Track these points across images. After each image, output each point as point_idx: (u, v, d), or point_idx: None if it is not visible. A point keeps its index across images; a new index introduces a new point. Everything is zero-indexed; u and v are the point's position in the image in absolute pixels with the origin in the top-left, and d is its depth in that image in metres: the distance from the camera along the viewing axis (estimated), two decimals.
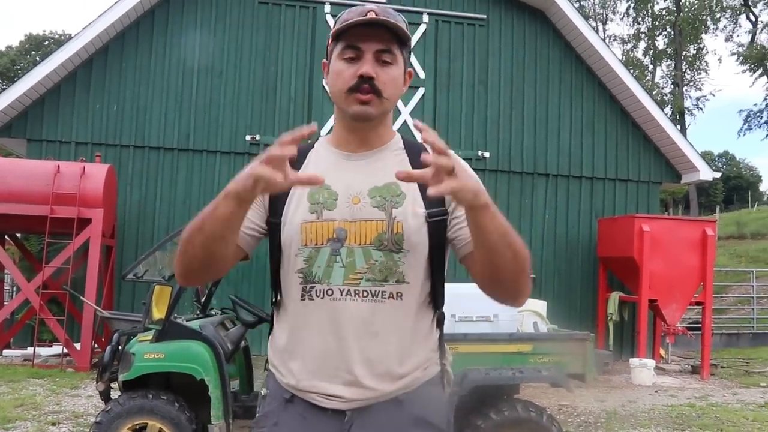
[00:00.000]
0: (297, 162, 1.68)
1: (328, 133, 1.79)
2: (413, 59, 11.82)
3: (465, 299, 5.10)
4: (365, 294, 1.59)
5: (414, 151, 1.73)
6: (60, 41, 36.58)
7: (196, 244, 1.52)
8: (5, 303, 10.32)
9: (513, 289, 1.58)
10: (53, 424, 6.22)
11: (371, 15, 1.59)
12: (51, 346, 9.99)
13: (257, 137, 11.20)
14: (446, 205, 1.66)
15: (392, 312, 1.60)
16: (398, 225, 1.60)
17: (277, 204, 1.67)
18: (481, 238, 1.45)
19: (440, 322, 1.73)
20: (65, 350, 9.26)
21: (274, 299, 1.74)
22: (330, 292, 1.59)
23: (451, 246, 1.70)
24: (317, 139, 1.79)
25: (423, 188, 1.62)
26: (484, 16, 12.25)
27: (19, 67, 39.96)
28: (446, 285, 1.76)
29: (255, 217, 1.67)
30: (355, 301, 1.58)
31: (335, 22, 1.66)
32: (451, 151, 1.34)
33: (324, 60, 1.74)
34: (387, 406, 1.60)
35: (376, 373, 1.58)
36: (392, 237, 1.60)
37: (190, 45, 11.32)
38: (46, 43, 42.72)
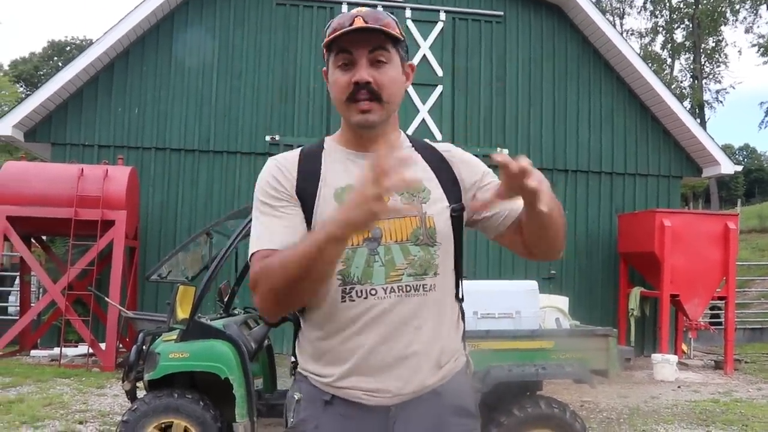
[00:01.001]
0: (313, 165, 1.71)
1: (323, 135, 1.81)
2: (431, 57, 11.84)
3: (487, 296, 5.15)
4: (408, 289, 1.62)
5: (423, 148, 1.79)
6: (82, 47, 37.02)
7: (298, 289, 1.49)
8: (32, 304, 10.47)
9: (560, 244, 1.69)
10: (80, 423, 6.32)
11: (358, 21, 1.60)
12: (77, 347, 10.13)
13: (277, 137, 11.27)
14: (463, 198, 1.73)
15: (432, 304, 1.64)
16: (430, 219, 1.65)
17: (307, 202, 1.65)
18: (546, 219, 1.55)
19: (463, 315, 1.79)
20: (91, 350, 9.38)
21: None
22: (373, 292, 1.60)
23: (481, 226, 1.78)
24: (323, 140, 1.80)
25: (444, 183, 1.71)
26: (501, 13, 12.23)
27: (42, 72, 40.49)
28: (467, 282, 1.81)
29: (298, 224, 1.64)
30: (399, 297, 1.60)
31: (325, 31, 1.67)
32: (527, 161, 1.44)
33: (323, 68, 1.76)
34: (427, 397, 1.63)
35: (422, 365, 1.62)
36: (426, 231, 1.64)
37: (209, 47, 11.41)
38: (68, 48, 43.22)
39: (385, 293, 1.60)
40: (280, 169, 1.69)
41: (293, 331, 1.79)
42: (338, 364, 1.63)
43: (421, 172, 1.71)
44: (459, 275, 1.76)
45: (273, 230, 1.61)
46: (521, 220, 1.66)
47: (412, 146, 1.78)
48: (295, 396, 1.71)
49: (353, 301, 1.61)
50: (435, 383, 1.64)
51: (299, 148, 1.78)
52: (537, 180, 1.44)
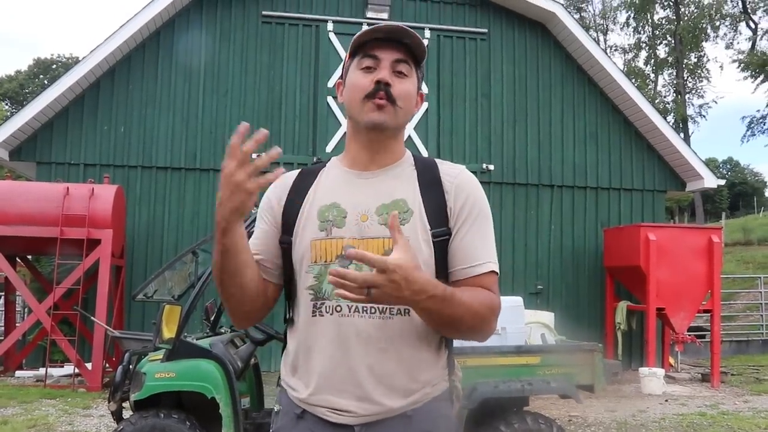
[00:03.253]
0: (308, 182, 1.76)
1: (334, 154, 1.85)
2: None
3: None
4: (373, 310, 1.59)
5: (424, 168, 1.75)
6: (68, 65, 36.98)
7: (223, 286, 1.64)
8: (17, 324, 10.39)
9: (470, 338, 1.68)
10: None
11: (391, 27, 1.66)
12: (63, 367, 10.04)
13: (263, 155, 11.27)
14: (448, 224, 1.68)
15: (400, 328, 1.61)
16: None
17: (288, 222, 1.72)
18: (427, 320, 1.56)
19: (449, 340, 1.74)
20: (77, 370, 9.31)
21: (287, 316, 1.78)
22: (339, 309, 1.61)
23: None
24: (329, 159, 1.84)
25: (428, 207, 1.67)
26: (486, 30, 12.35)
27: (27, 90, 40.37)
28: None
29: (275, 250, 1.75)
30: (362, 318, 1.59)
31: (354, 39, 1.71)
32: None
33: (338, 80, 1.79)
34: (396, 421, 1.60)
35: (385, 388, 1.59)
36: None
37: (195, 65, 11.44)
38: (54, 66, 43.15)
39: (350, 311, 1.60)
40: (275, 188, 1.79)
41: (282, 344, 1.82)
42: (306, 379, 1.66)
43: (410, 193, 1.69)
44: None
45: (253, 239, 1.75)
46: None
47: (415, 165, 1.76)
48: (275, 407, 1.76)
49: (322, 316, 1.63)
50: (404, 407, 1.61)
51: (301, 168, 1.85)
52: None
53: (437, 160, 1.79)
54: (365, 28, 1.71)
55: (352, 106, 1.70)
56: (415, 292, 1.41)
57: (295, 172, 1.82)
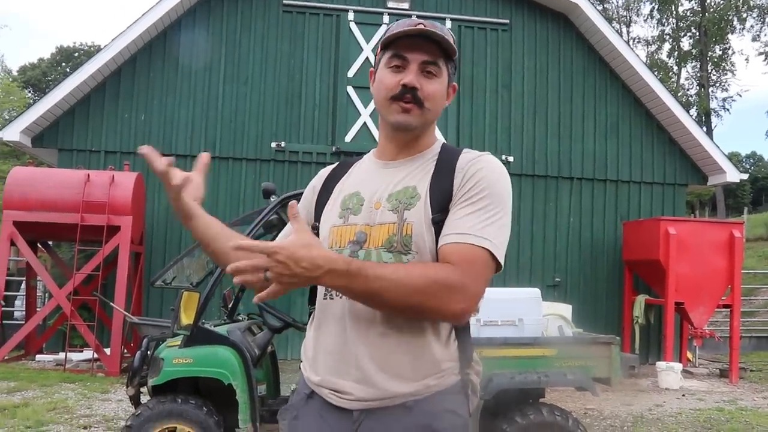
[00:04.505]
0: (342, 173, 1.86)
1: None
2: None
3: (490, 303, 5.13)
4: None
5: (447, 156, 1.73)
6: (90, 53, 37.23)
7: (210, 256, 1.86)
8: (38, 309, 10.51)
9: (423, 316, 1.60)
10: (85, 428, 6.35)
11: (420, 27, 1.66)
12: (82, 351, 10.17)
13: (282, 144, 11.32)
14: (449, 207, 1.66)
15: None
16: (407, 227, 1.62)
17: (318, 210, 1.83)
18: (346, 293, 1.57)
19: (460, 330, 1.69)
20: (96, 355, 9.41)
21: (310, 298, 1.85)
22: None
23: None
24: (369, 151, 1.89)
25: (435, 191, 1.66)
26: (507, 21, 12.26)
27: (50, 78, 40.68)
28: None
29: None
30: None
31: (386, 32, 1.72)
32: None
33: (371, 68, 1.82)
34: (396, 411, 1.59)
35: (385, 372, 1.59)
36: (401, 239, 1.62)
37: (215, 54, 11.48)
38: (77, 54, 43.41)
39: None
40: (317, 178, 1.93)
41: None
42: (312, 360, 1.72)
43: (421, 178, 1.69)
44: None
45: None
46: None
47: (440, 154, 1.74)
48: (293, 386, 1.84)
49: (332, 299, 1.68)
50: (405, 396, 1.59)
51: (341, 160, 1.94)
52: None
53: (465, 149, 1.76)
54: (394, 22, 1.73)
55: (380, 103, 1.73)
56: (307, 269, 1.41)
57: (331, 166, 1.94)
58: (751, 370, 11.34)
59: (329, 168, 1.92)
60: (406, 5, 11.76)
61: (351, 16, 11.68)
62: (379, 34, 11.41)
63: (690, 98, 39.79)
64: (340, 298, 1.64)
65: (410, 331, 1.61)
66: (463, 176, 1.65)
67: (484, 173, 1.66)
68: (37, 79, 41.78)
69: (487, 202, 1.62)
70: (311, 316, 1.80)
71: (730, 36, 39.36)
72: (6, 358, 9.68)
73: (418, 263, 1.59)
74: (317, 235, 1.75)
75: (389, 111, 1.70)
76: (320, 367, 1.68)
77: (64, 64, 43.26)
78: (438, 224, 1.63)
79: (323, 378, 1.66)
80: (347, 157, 1.95)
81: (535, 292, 5.15)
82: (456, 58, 1.75)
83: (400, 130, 1.72)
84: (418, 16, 11.77)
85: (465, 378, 1.69)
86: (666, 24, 41.28)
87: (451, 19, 12.03)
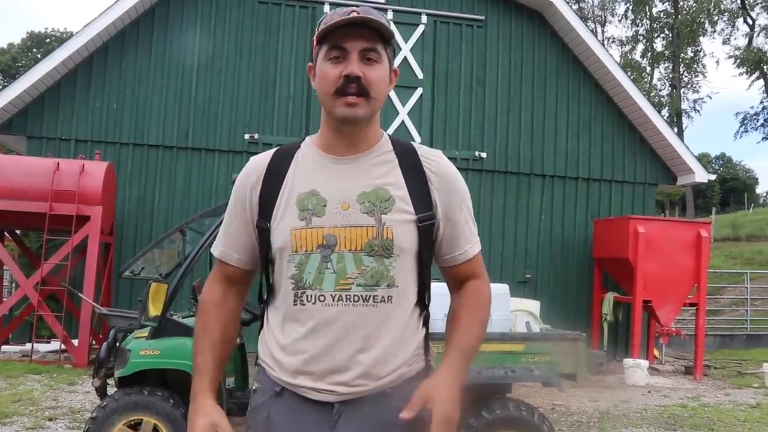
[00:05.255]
0: (284, 165, 1.73)
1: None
2: (411, 59, 11.89)
3: None
4: (356, 299, 1.62)
5: (404, 153, 1.74)
6: (61, 39, 36.56)
7: None
8: (4, 299, 10.38)
9: None
10: (50, 420, 6.28)
11: (354, 14, 1.60)
12: (49, 342, 10.05)
13: (256, 136, 11.26)
14: (433, 210, 1.71)
15: (383, 315, 1.64)
16: (388, 231, 1.63)
17: (267, 207, 1.71)
18: None
19: (426, 321, 1.77)
20: (63, 346, 9.31)
21: (264, 297, 1.79)
22: (322, 298, 1.62)
23: (435, 250, 1.79)
24: (303, 139, 1.81)
25: (413, 191, 1.68)
26: (483, 17, 12.31)
27: (20, 64, 39.97)
28: (438, 285, 1.83)
29: (249, 238, 1.78)
30: (346, 306, 1.61)
31: (318, 25, 1.67)
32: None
33: (309, 63, 1.76)
34: (373, 398, 1.64)
35: (367, 374, 1.62)
36: (382, 243, 1.63)
37: (189, 43, 11.37)
38: (48, 40, 42.70)
39: (333, 300, 1.62)
40: (249, 172, 1.76)
41: (258, 325, 1.85)
42: (287, 364, 1.67)
43: (392, 179, 1.70)
44: (426, 283, 1.75)
45: (226, 231, 1.81)
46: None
47: (394, 150, 1.75)
48: (254, 386, 1.79)
49: (304, 305, 1.64)
50: (383, 386, 1.65)
51: (275, 149, 1.80)
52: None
53: (414, 144, 1.79)
54: (328, 14, 1.67)
55: (323, 98, 1.67)
56: (455, 407, 1.62)
57: (269, 153, 1.79)
58: (714, 368, 11.55)
59: (264, 158, 1.78)
60: None
61: (327, 8, 11.63)
62: None
63: (662, 99, 40.32)
64: (313, 303, 1.63)
65: (391, 330, 1.65)
66: (439, 182, 1.72)
67: (457, 176, 1.77)
68: (7, 64, 41.04)
69: (468, 204, 1.79)
70: (266, 315, 1.78)
71: (701, 38, 39.97)
72: None
73: (473, 309, 1.79)
74: (265, 234, 1.71)
75: (334, 105, 1.64)
76: (295, 369, 1.65)
77: (35, 50, 42.54)
78: (424, 224, 1.68)
79: (301, 377, 1.65)
80: (281, 146, 1.83)
81: (503, 288, 5.18)
82: (394, 41, 1.72)
83: (348, 124, 1.67)
84: (394, 11, 11.85)
85: (427, 364, 1.77)
86: (640, 25, 41.77)
87: (427, 14, 12.04)
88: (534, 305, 5.77)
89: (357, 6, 1.68)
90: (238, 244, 1.78)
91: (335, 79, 1.62)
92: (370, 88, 1.63)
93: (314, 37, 1.70)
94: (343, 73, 1.61)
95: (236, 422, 4.99)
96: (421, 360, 1.75)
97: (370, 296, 1.62)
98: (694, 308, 11.24)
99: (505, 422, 4.58)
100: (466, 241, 1.77)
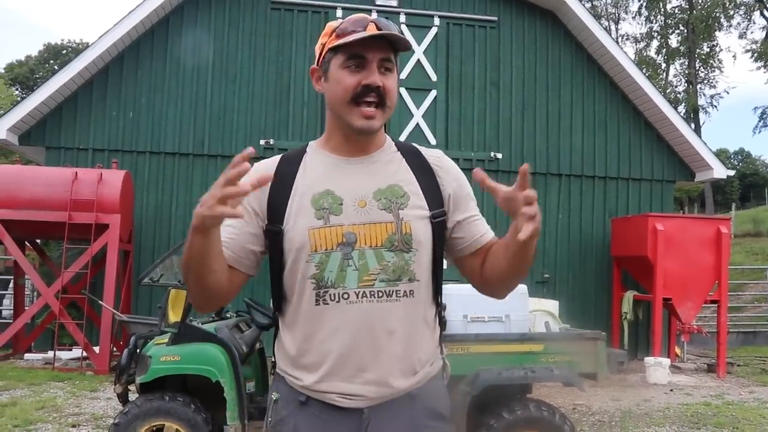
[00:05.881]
0: (292, 169, 1.74)
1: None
2: (425, 62, 11.89)
3: (477, 300, 5.14)
4: (380, 294, 1.63)
5: (409, 153, 1.80)
6: (78, 50, 36.98)
7: (190, 279, 1.60)
8: (26, 308, 10.48)
9: (514, 285, 1.75)
10: (73, 426, 6.34)
11: (371, 27, 1.62)
12: (71, 350, 10.14)
13: (271, 141, 11.31)
14: (444, 206, 1.75)
15: (406, 310, 1.66)
16: (406, 225, 1.66)
17: (277, 211, 1.69)
18: (523, 253, 1.62)
19: (440, 319, 1.80)
20: (85, 353, 9.39)
21: (278, 305, 1.76)
22: (346, 296, 1.63)
23: (448, 245, 1.80)
24: (307, 145, 1.82)
25: (426, 188, 1.72)
26: (495, 18, 12.28)
27: (38, 76, 40.43)
28: (458, 286, 1.88)
29: (249, 239, 1.71)
30: (371, 302, 1.63)
31: (335, 32, 1.67)
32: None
33: (313, 66, 1.76)
34: (402, 401, 1.65)
35: (394, 370, 1.64)
36: (402, 237, 1.65)
37: (203, 51, 11.44)
38: (65, 52, 43.19)
39: (357, 297, 1.62)
40: (258, 176, 1.68)
41: (273, 331, 1.83)
42: (312, 368, 1.66)
43: (403, 176, 1.73)
44: (438, 281, 1.77)
45: (226, 225, 1.66)
46: (497, 247, 1.73)
47: (398, 150, 1.79)
48: (273, 396, 1.75)
49: (327, 304, 1.64)
50: (409, 387, 1.66)
51: (280, 155, 1.81)
52: (531, 215, 1.50)
53: (416, 145, 1.85)
54: (345, 20, 1.68)
55: (338, 105, 1.68)
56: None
57: (275, 159, 1.78)
58: (738, 365, 11.43)
59: (271, 163, 1.77)
60: (394, 2, 11.76)
61: (339, 13, 11.66)
62: None
63: (678, 95, 40.01)
64: (337, 302, 1.63)
65: (413, 326, 1.68)
66: (447, 179, 1.78)
67: (459, 173, 1.83)
68: (25, 76, 41.52)
69: (474, 200, 1.84)
70: (282, 323, 1.76)
71: (717, 33, 39.61)
72: None
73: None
74: (277, 238, 1.68)
75: (351, 115, 1.66)
76: (322, 373, 1.64)
77: (52, 61, 43.03)
78: (437, 220, 1.72)
79: (328, 384, 1.64)
80: (286, 152, 1.84)
81: (522, 288, 5.16)
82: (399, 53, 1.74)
83: (364, 134, 1.69)
84: (407, 14, 11.85)
85: (444, 362, 1.81)
86: (654, 21, 41.47)
87: (440, 17, 12.04)
88: (553, 305, 5.74)
89: (369, 10, 1.69)
90: (240, 240, 1.70)
91: (353, 87, 1.64)
92: (387, 97, 1.66)
93: (323, 43, 1.70)
94: (363, 83, 1.63)
95: (256, 426, 5.03)
96: (439, 358, 1.78)
97: (393, 291, 1.64)
98: (716, 305, 11.12)
99: (526, 423, 4.57)
100: (484, 226, 1.81)
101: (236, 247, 1.70)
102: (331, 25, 1.70)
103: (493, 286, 1.79)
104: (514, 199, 1.52)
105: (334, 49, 1.67)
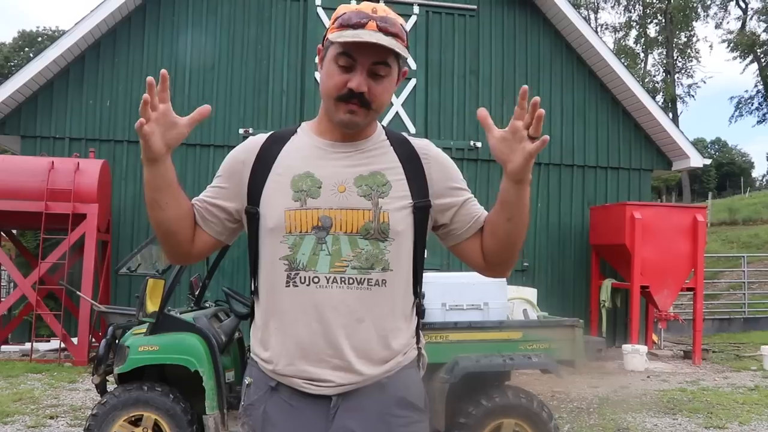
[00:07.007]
0: (277, 148, 1.74)
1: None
2: None
3: (455, 288, 5.20)
4: (351, 281, 1.62)
5: (398, 142, 1.77)
6: (53, 37, 36.38)
7: (153, 221, 1.72)
8: (2, 299, 10.37)
9: (514, 257, 1.77)
10: (51, 418, 6.29)
11: (371, 25, 1.58)
12: (48, 341, 10.06)
13: (250, 130, 11.23)
14: (429, 196, 1.73)
15: (377, 299, 1.64)
16: (384, 215, 1.65)
17: (255, 189, 1.71)
18: (516, 209, 1.64)
19: (418, 310, 1.78)
20: (63, 345, 9.32)
21: (253, 286, 1.77)
22: (316, 280, 1.62)
23: (442, 233, 1.80)
24: (299, 125, 1.82)
25: (411, 178, 1.71)
26: (475, 7, 12.27)
27: (12, 63, 39.82)
28: (437, 274, 1.87)
29: (220, 200, 1.76)
30: (340, 288, 1.62)
31: (335, 20, 1.65)
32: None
33: (320, 45, 1.73)
34: (371, 389, 1.64)
35: (362, 357, 1.63)
36: (378, 226, 1.64)
37: (182, 39, 11.33)
38: (40, 39, 42.51)
39: (328, 282, 1.62)
40: (243, 150, 1.79)
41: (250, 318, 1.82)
42: (280, 352, 1.66)
43: (388, 164, 1.72)
44: (418, 272, 1.76)
45: (206, 191, 1.81)
46: (492, 214, 1.72)
47: (388, 139, 1.77)
48: (246, 380, 1.76)
49: (297, 286, 1.63)
50: (379, 375, 1.65)
51: (272, 132, 1.82)
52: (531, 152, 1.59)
53: (405, 134, 1.84)
54: (349, 11, 1.63)
55: (325, 96, 1.69)
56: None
57: (261, 137, 1.80)
58: (713, 352, 11.61)
59: (257, 140, 1.78)
60: None
61: (318, 1, 11.60)
62: None
63: (656, 84, 40.34)
64: (307, 285, 1.62)
65: (384, 314, 1.66)
66: (435, 168, 1.76)
67: (448, 162, 1.83)
68: None
69: (464, 185, 1.84)
70: (256, 305, 1.76)
71: (694, 23, 39.92)
72: None
73: None
74: (254, 219, 1.70)
75: (335, 110, 1.66)
76: (289, 357, 1.64)
77: (27, 49, 42.37)
78: (420, 209, 1.70)
79: (295, 368, 1.63)
80: (277, 130, 1.84)
81: None
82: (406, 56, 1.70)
83: (346, 128, 1.69)
84: (386, 2, 11.74)
85: (419, 352, 1.79)
86: (633, 11, 41.70)
87: (419, 5, 12.01)
88: (531, 293, 5.78)
89: (370, 7, 1.64)
90: (214, 203, 1.77)
91: (340, 86, 1.63)
92: (372, 101, 1.64)
93: (328, 33, 1.66)
94: (348, 85, 1.61)
95: (235, 415, 5.03)
96: (413, 348, 1.76)
97: (364, 279, 1.63)
98: (692, 293, 11.27)
99: (504, 410, 4.59)
100: (478, 206, 1.80)
101: (203, 208, 1.76)
102: (341, 8, 1.67)
103: (496, 261, 1.76)
104: (516, 131, 1.62)
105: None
